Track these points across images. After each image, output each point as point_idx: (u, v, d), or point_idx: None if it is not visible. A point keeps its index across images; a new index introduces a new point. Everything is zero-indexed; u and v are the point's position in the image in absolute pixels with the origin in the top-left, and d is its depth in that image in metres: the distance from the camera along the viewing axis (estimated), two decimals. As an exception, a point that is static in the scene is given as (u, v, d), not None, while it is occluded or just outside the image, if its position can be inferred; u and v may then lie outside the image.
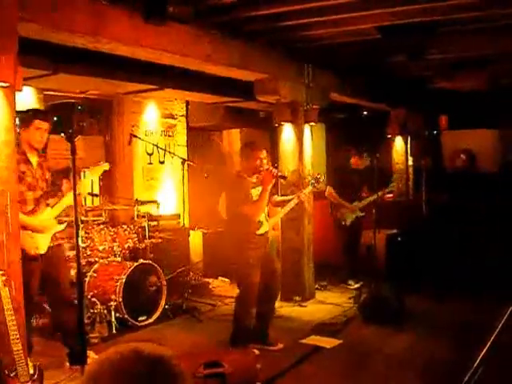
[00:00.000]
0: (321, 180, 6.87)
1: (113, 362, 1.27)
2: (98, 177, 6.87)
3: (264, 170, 6.15)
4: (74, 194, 4.28)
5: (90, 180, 6.19)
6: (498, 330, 3.27)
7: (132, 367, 1.25)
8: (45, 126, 5.31)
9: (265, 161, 6.28)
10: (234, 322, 6.33)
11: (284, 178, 6.66)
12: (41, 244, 5.33)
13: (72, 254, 6.35)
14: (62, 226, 5.66)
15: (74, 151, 4.15)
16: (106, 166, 5.97)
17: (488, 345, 3.26)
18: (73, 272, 6.29)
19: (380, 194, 9.13)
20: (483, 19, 6.66)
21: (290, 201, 6.52)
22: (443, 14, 6.42)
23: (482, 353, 3.27)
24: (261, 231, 6.21)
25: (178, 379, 1.27)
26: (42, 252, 5.35)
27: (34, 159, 5.37)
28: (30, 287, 5.17)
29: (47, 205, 5.42)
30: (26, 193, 5.24)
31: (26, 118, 5.31)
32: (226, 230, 6.74)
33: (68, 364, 5.51)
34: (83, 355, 4.43)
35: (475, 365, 3.27)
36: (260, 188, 6.11)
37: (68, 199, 5.34)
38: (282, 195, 7.55)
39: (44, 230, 5.37)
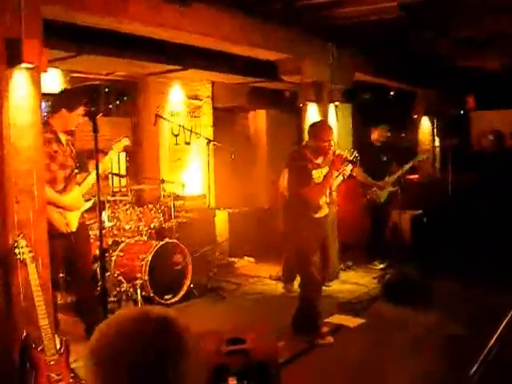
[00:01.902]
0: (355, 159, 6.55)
1: (121, 322, 1.32)
2: (125, 157, 6.98)
3: (333, 153, 5.83)
4: (97, 172, 4.35)
5: (112, 158, 6.22)
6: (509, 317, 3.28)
7: (140, 327, 1.29)
8: (84, 112, 5.37)
9: (332, 142, 5.97)
10: (303, 309, 6.09)
11: (354, 163, 6.13)
12: (72, 221, 5.44)
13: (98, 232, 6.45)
14: (90, 203, 5.75)
15: (96, 129, 4.22)
16: (126, 141, 6.02)
17: (503, 324, 3.28)
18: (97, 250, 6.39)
19: (408, 166, 9.07)
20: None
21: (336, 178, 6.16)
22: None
23: (498, 331, 3.30)
24: (319, 214, 6.05)
25: (184, 341, 1.32)
26: (73, 229, 5.46)
27: (63, 138, 5.46)
28: (58, 264, 5.28)
29: (76, 183, 5.52)
30: (58, 172, 5.33)
31: (72, 101, 5.37)
32: (285, 209, 6.48)
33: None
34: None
35: (491, 343, 3.30)
36: (323, 170, 5.86)
37: (93, 177, 5.43)
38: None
39: (74, 207, 5.48)
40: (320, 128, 6.06)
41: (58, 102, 5.52)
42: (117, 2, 5.22)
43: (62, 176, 5.38)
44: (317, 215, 6.03)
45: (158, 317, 1.33)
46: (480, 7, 7.07)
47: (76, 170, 5.62)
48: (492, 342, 3.35)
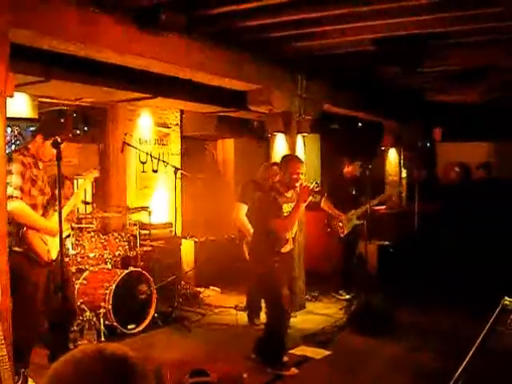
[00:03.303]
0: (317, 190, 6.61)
1: (76, 360, 1.28)
2: (91, 184, 6.91)
3: (300, 185, 5.84)
4: (59, 203, 4.28)
5: (82, 188, 6.14)
6: (480, 338, 3.28)
7: (95, 365, 1.26)
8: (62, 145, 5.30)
9: (302, 176, 5.99)
10: (269, 340, 6.09)
11: (321, 194, 6.26)
12: (52, 249, 5.31)
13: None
14: (68, 231, 5.67)
15: (59, 157, 4.16)
16: (96, 173, 5.97)
17: (470, 353, 3.27)
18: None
19: (375, 202, 9.13)
20: (477, 32, 6.69)
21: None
22: (437, 26, 6.45)
23: (465, 361, 3.28)
24: (285, 249, 6.07)
25: (141, 378, 1.28)
26: (54, 257, 5.33)
27: (40, 164, 5.37)
28: (38, 296, 5.18)
29: (54, 210, 5.42)
30: (38, 197, 5.22)
31: (50, 130, 5.27)
32: (252, 242, 6.45)
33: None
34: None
35: (458, 373, 3.28)
36: (292, 204, 5.88)
37: (72, 203, 5.38)
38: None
39: (56, 233, 5.37)
40: (291, 162, 6.09)
41: (38, 127, 5.45)
42: (87, 29, 5.20)
43: (41, 202, 5.29)
44: (283, 250, 6.04)
45: (113, 355, 1.29)
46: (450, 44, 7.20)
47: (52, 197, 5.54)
48: (458, 373, 3.34)
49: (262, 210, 6.08)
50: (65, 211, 5.43)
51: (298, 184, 5.90)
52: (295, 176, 5.89)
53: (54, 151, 5.10)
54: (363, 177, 9.03)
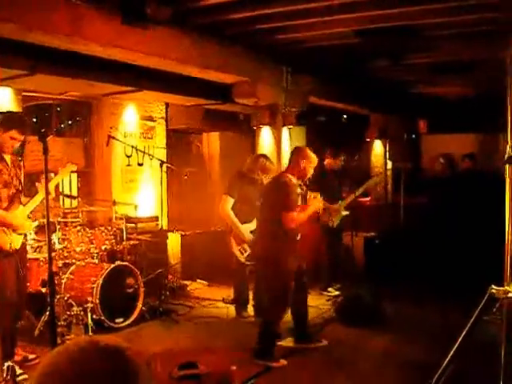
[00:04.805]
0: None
1: (71, 352, 1.28)
2: (76, 178, 6.90)
3: (316, 198, 6.27)
4: (47, 194, 4.27)
5: (59, 181, 6.12)
6: (467, 328, 3.31)
7: (88, 358, 1.26)
8: (19, 137, 5.29)
9: (311, 170, 6.19)
10: (264, 333, 6.04)
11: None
12: (15, 241, 5.32)
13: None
14: (34, 225, 5.66)
15: (46, 151, 4.15)
16: (73, 167, 5.96)
17: (457, 343, 3.30)
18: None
19: (361, 190, 9.13)
20: (460, 25, 6.73)
21: None
22: (420, 18, 6.48)
23: (452, 351, 3.32)
24: (298, 237, 6.22)
25: (136, 368, 1.29)
26: (17, 247, 5.34)
27: (8, 157, 5.36)
28: (9, 286, 5.17)
29: (20, 203, 5.42)
30: (2, 190, 5.24)
31: (4, 122, 5.28)
32: (263, 231, 6.34)
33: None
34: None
35: (444, 363, 3.32)
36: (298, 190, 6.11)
37: (38, 197, 5.36)
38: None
39: (19, 227, 5.37)
40: (303, 153, 6.17)
41: (2, 123, 5.41)
42: (72, 23, 5.18)
43: (6, 195, 5.29)
44: (297, 238, 6.20)
45: (107, 347, 1.29)
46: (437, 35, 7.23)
47: (22, 192, 5.52)
48: (445, 363, 3.37)
49: (284, 200, 5.97)
50: (30, 206, 5.44)
51: (308, 177, 6.15)
52: (307, 169, 6.09)
53: (15, 143, 5.14)
54: (346, 168, 9.03)
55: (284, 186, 6.02)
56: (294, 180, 6.06)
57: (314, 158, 6.17)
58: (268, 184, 6.61)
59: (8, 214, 5.26)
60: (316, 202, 6.24)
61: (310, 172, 6.16)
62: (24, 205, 5.45)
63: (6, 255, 5.21)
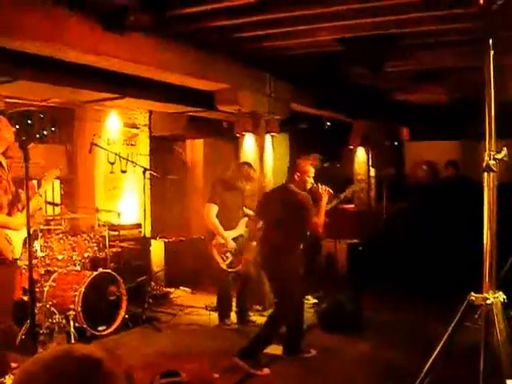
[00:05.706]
0: None
1: (46, 361, 1.29)
2: (59, 185, 6.85)
3: (323, 188, 6.37)
4: (27, 203, 4.25)
5: (45, 188, 6.07)
6: (447, 335, 3.33)
7: (63, 367, 1.27)
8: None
9: (311, 175, 6.33)
10: (289, 332, 6.43)
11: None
12: (16, 247, 5.25)
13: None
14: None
15: (26, 158, 4.14)
16: (57, 172, 5.91)
17: (437, 350, 3.32)
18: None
19: (343, 196, 9.14)
20: (439, 33, 6.79)
21: None
22: (398, 27, 6.52)
23: (432, 357, 3.34)
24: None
25: (110, 379, 1.29)
26: (17, 256, 5.27)
27: (4, 162, 5.29)
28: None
29: (18, 209, 5.36)
30: (3, 197, 5.16)
31: None
32: (277, 239, 6.31)
33: None
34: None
35: (425, 369, 3.34)
36: None
37: (34, 203, 5.31)
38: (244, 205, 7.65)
39: (20, 227, 5.30)
40: (301, 165, 6.37)
41: None
42: (52, 29, 5.16)
43: (6, 201, 5.22)
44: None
45: (82, 356, 1.30)
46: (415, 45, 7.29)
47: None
48: (425, 369, 3.39)
49: (309, 209, 6.17)
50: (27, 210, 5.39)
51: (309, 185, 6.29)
52: (304, 179, 6.25)
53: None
54: (330, 172, 9.04)
55: (300, 198, 6.19)
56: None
57: (306, 168, 6.29)
58: (275, 196, 6.59)
59: (11, 218, 5.19)
60: (325, 194, 6.36)
61: (309, 181, 6.30)
62: (21, 211, 5.38)
63: (7, 264, 5.15)
